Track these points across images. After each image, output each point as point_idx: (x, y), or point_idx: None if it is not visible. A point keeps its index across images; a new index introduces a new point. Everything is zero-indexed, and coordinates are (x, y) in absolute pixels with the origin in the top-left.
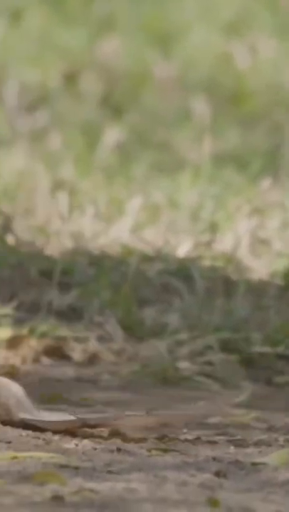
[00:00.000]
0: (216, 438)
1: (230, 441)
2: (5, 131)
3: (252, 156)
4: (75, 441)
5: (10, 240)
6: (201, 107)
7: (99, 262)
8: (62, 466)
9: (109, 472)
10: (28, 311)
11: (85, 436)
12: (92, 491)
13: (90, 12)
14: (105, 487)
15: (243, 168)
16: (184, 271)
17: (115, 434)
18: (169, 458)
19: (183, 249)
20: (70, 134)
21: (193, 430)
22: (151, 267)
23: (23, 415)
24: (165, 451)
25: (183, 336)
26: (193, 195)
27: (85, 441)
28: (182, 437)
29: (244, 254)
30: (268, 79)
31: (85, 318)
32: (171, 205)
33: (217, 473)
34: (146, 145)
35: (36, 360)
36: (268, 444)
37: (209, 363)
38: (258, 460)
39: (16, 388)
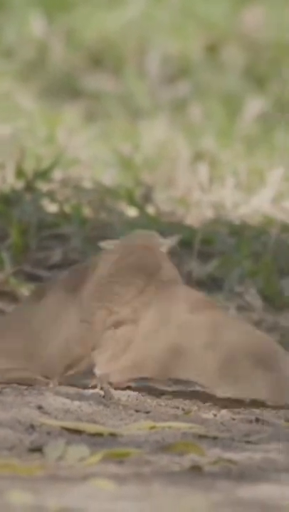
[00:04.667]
0: None
1: None
2: (147, 101)
3: None
4: (213, 411)
5: (150, 210)
6: None
7: (239, 232)
8: (201, 437)
9: (248, 442)
10: None
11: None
12: (230, 461)
13: None
14: (243, 457)
15: None
16: None
17: (254, 403)
18: None
19: None
20: (211, 104)
21: None
22: None
23: None
24: None
25: None
26: None
27: (224, 412)
28: None
29: None
30: None
31: (225, 287)
32: None
33: None
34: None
35: None
36: None
37: None
38: None
39: None
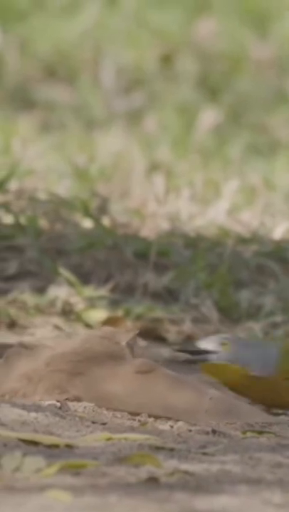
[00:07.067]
0: None
1: None
2: (102, 112)
3: None
4: (170, 422)
5: (106, 221)
6: None
7: (195, 243)
8: (158, 448)
9: (204, 454)
10: (123, 293)
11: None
12: (187, 472)
13: None
14: (200, 468)
15: None
16: (279, 253)
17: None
18: (263, 440)
19: (279, 231)
20: (166, 115)
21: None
22: (247, 249)
23: None
24: (260, 433)
25: (278, 317)
26: None
27: (180, 423)
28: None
29: None
30: None
31: (180, 299)
32: (268, 186)
33: None
34: (243, 126)
35: None
36: None
37: None
38: None
39: None
